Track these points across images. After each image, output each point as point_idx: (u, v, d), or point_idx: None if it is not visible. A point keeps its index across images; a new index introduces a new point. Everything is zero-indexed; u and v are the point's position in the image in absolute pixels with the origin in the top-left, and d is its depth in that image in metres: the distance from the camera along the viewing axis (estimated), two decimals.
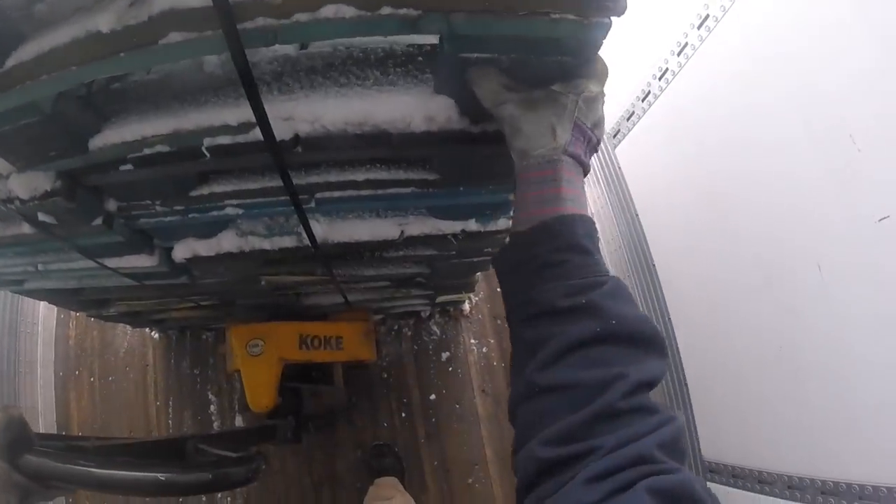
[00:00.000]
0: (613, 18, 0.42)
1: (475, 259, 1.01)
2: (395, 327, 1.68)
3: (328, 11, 0.39)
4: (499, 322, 1.69)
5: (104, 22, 0.41)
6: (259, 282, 1.05)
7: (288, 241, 0.78)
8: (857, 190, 0.86)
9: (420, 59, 0.56)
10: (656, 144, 1.47)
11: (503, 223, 0.83)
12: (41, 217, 0.64)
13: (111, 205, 0.68)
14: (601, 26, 0.42)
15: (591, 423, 0.37)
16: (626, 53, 1.39)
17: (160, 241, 0.82)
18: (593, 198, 1.70)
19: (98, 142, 0.55)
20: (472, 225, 0.81)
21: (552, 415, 0.39)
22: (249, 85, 0.43)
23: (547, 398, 0.40)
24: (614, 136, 1.61)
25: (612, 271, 1.20)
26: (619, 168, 1.62)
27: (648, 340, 0.41)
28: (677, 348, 1.44)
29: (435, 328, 1.68)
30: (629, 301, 0.43)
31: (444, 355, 1.65)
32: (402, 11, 0.40)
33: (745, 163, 1.13)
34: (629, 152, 1.60)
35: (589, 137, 0.48)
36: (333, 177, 0.64)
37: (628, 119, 1.52)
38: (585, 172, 0.50)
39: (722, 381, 1.30)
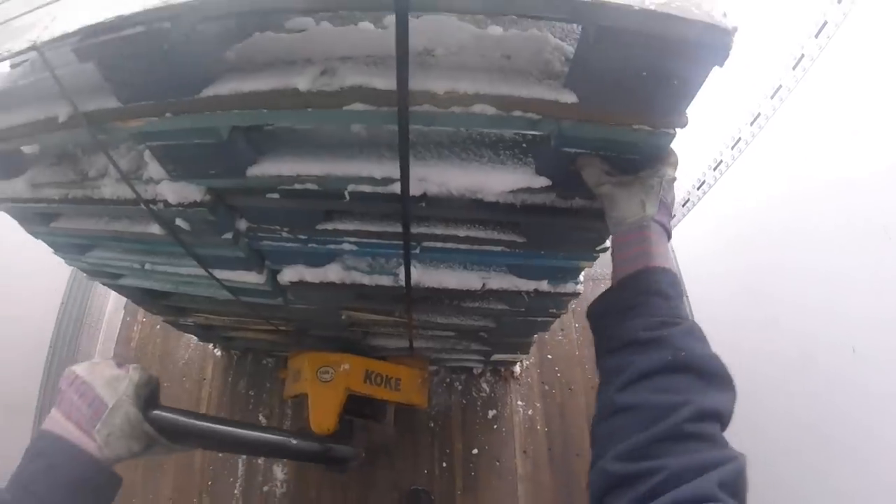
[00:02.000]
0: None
1: (539, 319, 1.11)
2: (448, 380, 1.75)
3: (476, 109, 0.54)
4: (546, 387, 1.74)
5: (302, 83, 0.56)
6: (339, 315, 1.18)
7: (385, 280, 0.91)
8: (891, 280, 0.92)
9: (524, 145, 0.70)
10: (707, 226, 1.57)
11: (570, 287, 0.94)
12: (178, 222, 0.77)
13: (242, 224, 0.81)
14: (667, 136, 0.55)
15: (659, 442, 0.41)
16: (687, 145, 1.53)
17: (271, 263, 0.95)
18: None
19: (255, 171, 0.67)
20: (544, 285, 0.92)
21: (623, 433, 0.44)
22: (404, 153, 0.58)
23: (621, 418, 0.45)
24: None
25: None
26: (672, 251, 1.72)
27: (716, 374, 0.46)
28: None
29: (485, 386, 1.74)
30: (702, 340, 0.50)
31: (491, 413, 1.70)
32: (528, 115, 0.55)
33: (787, 250, 1.21)
34: (682, 228, 1.70)
35: (668, 208, 0.59)
36: (440, 230, 0.77)
37: (683, 205, 1.63)
38: (669, 237, 0.59)
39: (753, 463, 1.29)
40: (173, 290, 1.12)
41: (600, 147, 0.59)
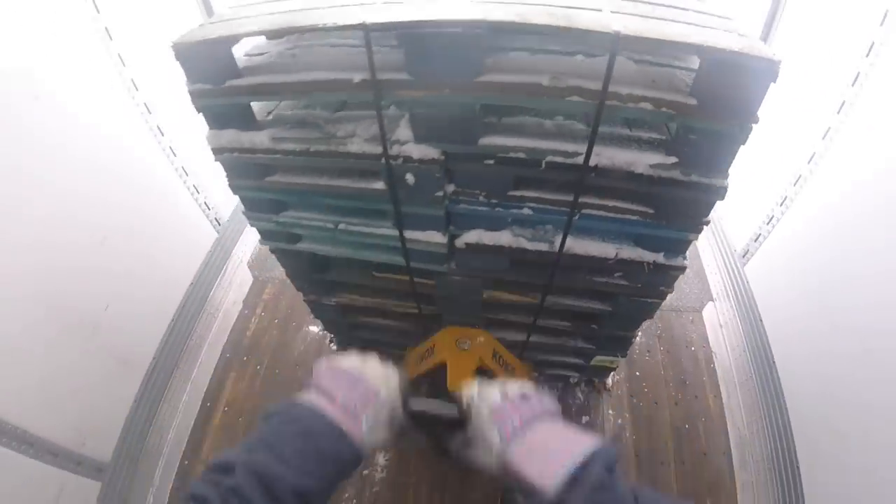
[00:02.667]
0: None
1: (649, 300, 1.41)
2: (546, 387, 2.01)
3: (643, 105, 0.94)
4: (634, 400, 1.95)
5: (543, 80, 0.96)
6: (481, 294, 1.53)
7: (543, 246, 1.28)
8: None
9: (661, 137, 1.09)
10: (779, 258, 1.85)
11: (679, 261, 1.26)
12: (407, 177, 1.09)
13: (450, 188, 1.16)
14: (746, 129, 0.93)
15: None
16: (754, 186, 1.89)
17: (455, 227, 1.29)
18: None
19: (485, 141, 1.04)
20: (661, 258, 1.25)
21: None
22: (594, 132, 0.98)
23: None
24: (744, 255, 2.02)
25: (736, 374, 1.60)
26: (748, 283, 1.98)
27: None
28: (792, 441, 1.61)
29: (579, 394, 1.98)
30: None
31: (584, 419, 1.92)
32: (668, 111, 0.94)
33: (863, 283, 1.46)
34: (757, 269, 1.98)
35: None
36: (595, 200, 1.15)
37: (755, 240, 1.95)
38: (553, 414, 0.72)
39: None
40: (351, 254, 1.44)
41: (703, 132, 0.96)
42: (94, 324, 1.72)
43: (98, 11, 1.70)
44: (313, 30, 0.92)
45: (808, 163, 1.68)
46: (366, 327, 1.97)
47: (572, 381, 2.00)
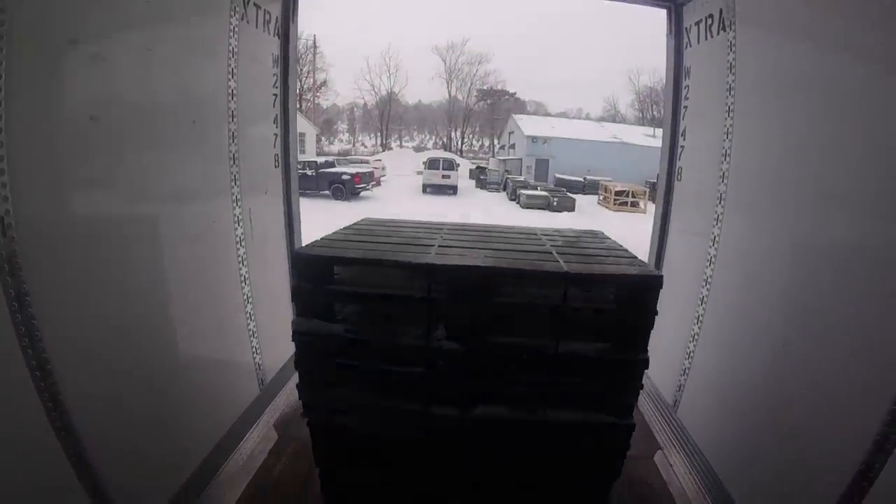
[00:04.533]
0: None
1: (614, 459, 1.80)
2: None
3: (587, 312, 1.60)
4: None
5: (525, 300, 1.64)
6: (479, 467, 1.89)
7: (531, 417, 1.75)
8: None
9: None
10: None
11: (626, 421, 1.73)
12: (440, 363, 1.73)
13: (463, 375, 1.76)
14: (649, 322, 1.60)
15: None
16: None
17: (465, 407, 1.81)
18: None
19: (490, 338, 1.70)
20: (616, 420, 1.73)
21: None
22: (558, 334, 1.61)
23: None
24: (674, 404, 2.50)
25: None
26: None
27: None
28: None
29: None
30: None
31: None
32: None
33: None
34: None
35: None
36: (565, 378, 1.70)
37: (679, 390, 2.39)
38: None
39: None
40: (380, 430, 1.85)
41: (624, 326, 1.61)
42: None
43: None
44: (395, 265, 1.63)
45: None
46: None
47: None
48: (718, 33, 2.31)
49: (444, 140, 55.93)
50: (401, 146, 55.54)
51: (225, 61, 2.23)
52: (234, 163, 2.35)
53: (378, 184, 24.31)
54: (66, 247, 1.43)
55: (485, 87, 53.45)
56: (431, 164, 24.52)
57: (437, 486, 1.98)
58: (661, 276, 1.59)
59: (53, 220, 1.41)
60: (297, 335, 1.78)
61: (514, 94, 54.11)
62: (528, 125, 36.69)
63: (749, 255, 2.09)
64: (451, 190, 23.86)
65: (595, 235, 2.42)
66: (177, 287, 1.94)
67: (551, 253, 1.84)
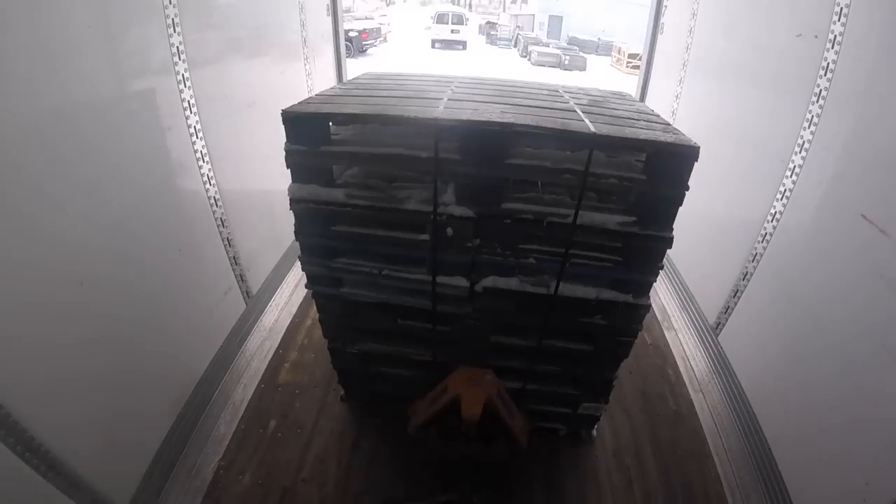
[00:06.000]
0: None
1: (624, 338, 1.78)
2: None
3: (612, 181, 1.43)
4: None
5: (548, 163, 1.47)
6: (489, 340, 1.88)
7: (542, 290, 1.67)
8: None
9: (623, 200, 1.56)
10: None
11: (644, 300, 1.66)
12: (448, 230, 1.55)
13: (476, 241, 1.61)
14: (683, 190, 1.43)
15: None
16: None
17: (476, 275, 1.69)
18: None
19: (507, 205, 1.56)
20: (630, 298, 1.65)
21: None
22: (580, 200, 1.45)
23: None
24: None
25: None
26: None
27: None
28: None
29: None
30: None
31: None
32: (628, 185, 1.43)
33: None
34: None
35: None
36: (580, 252, 1.59)
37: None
38: None
39: None
40: (387, 298, 1.80)
41: (652, 198, 1.45)
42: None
43: None
44: (400, 121, 1.41)
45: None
46: (379, 378, 2.22)
47: (560, 433, 2.24)
48: None
49: None
50: (405, 1, 50.59)
51: None
52: None
53: (385, 40, 23.59)
54: None
55: None
56: (440, 18, 23.96)
57: (447, 355, 1.99)
58: (698, 148, 1.37)
59: None
60: (294, 202, 1.64)
61: None
62: None
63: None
64: (461, 45, 23.63)
65: (623, 97, 2.14)
66: None
67: (576, 111, 1.60)
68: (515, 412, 1.94)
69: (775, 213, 2.17)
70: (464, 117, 1.42)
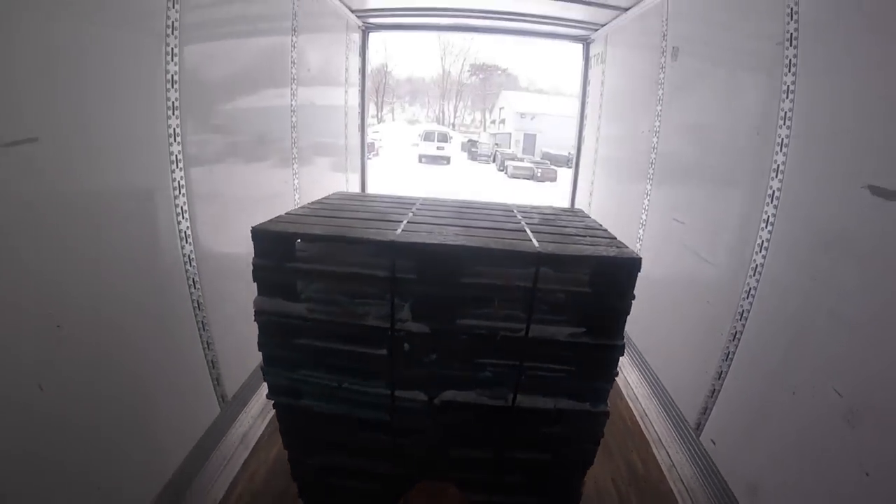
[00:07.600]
0: None
1: (586, 445, 1.77)
2: None
3: (559, 295, 1.54)
4: None
5: (498, 281, 1.58)
6: (448, 453, 1.85)
7: (499, 402, 1.69)
8: None
9: (573, 311, 1.65)
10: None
11: (602, 407, 1.68)
12: (405, 346, 1.61)
13: (433, 356, 1.67)
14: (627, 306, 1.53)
15: None
16: None
17: (433, 389, 1.70)
18: None
19: (461, 322, 1.63)
20: (587, 406, 1.68)
21: None
22: (529, 317, 1.54)
23: None
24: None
25: None
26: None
27: None
28: None
29: None
30: None
31: None
32: (581, 292, 1.54)
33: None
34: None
35: None
36: (534, 363, 1.64)
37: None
38: None
39: None
40: (346, 412, 1.77)
41: (599, 309, 1.54)
42: None
43: None
44: (359, 242, 1.54)
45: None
46: (339, 489, 2.10)
47: None
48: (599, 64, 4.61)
49: (437, 113, 55.27)
50: (393, 119, 55.15)
51: None
52: None
53: (377, 154, 25.96)
54: None
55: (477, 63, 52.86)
56: (427, 136, 26.78)
57: (406, 469, 1.93)
58: (640, 259, 1.51)
59: None
60: (258, 314, 1.70)
61: (506, 69, 53.48)
62: (518, 101, 37.17)
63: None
64: (445, 160, 26.25)
65: (575, 213, 2.33)
66: None
67: (525, 231, 1.76)
68: None
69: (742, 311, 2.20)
70: (419, 240, 1.55)
